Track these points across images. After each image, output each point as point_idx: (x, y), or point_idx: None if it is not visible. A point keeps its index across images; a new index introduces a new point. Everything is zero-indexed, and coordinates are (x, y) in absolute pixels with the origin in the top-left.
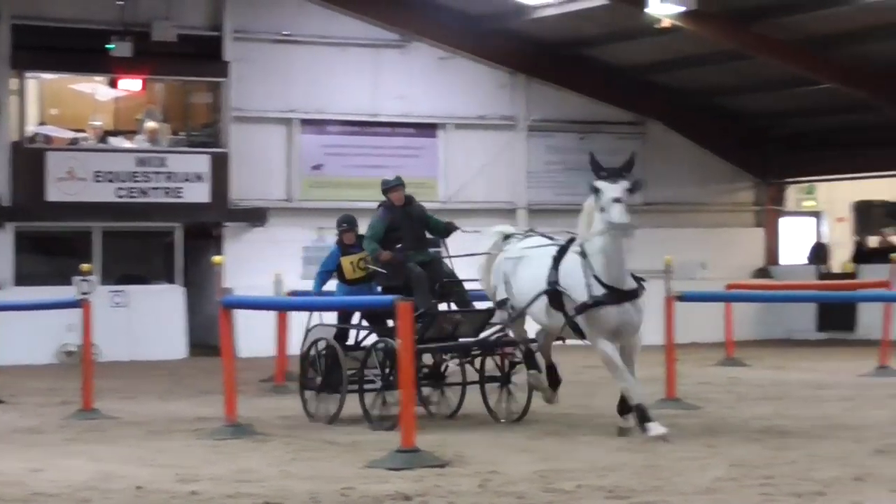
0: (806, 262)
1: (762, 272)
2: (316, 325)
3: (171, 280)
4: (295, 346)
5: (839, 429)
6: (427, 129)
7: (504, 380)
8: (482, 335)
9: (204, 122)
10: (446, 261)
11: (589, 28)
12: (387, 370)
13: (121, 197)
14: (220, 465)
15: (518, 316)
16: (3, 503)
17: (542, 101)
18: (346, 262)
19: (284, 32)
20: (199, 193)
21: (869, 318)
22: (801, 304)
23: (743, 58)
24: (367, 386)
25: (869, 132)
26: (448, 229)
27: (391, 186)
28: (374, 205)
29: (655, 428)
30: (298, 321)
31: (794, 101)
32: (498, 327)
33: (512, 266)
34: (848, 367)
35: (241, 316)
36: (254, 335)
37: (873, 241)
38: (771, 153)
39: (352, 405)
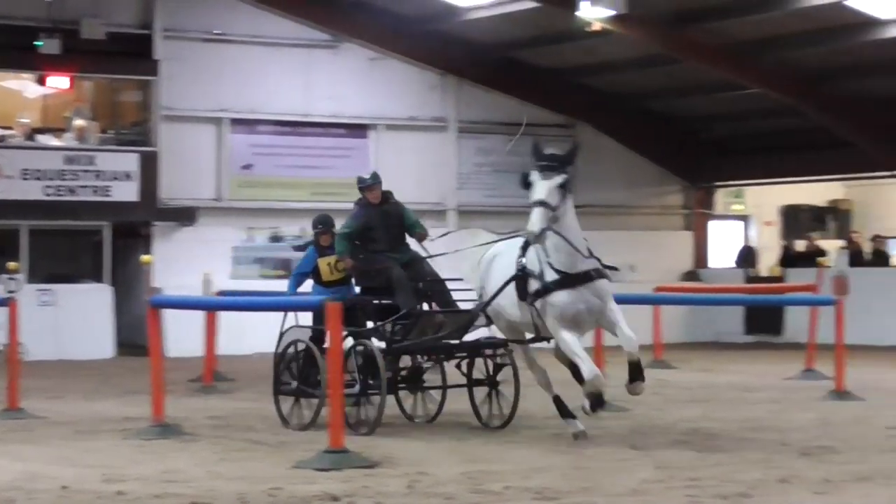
0: (734, 265)
1: (691, 275)
2: (291, 327)
3: (99, 279)
4: (223, 347)
5: (765, 431)
6: (358, 129)
7: (491, 383)
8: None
9: (133, 120)
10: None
11: (520, 30)
12: (362, 374)
13: (49, 195)
14: (147, 466)
15: (487, 305)
16: None
17: (472, 103)
18: (324, 263)
19: (215, 31)
20: (127, 192)
21: (796, 322)
22: (729, 308)
23: (673, 62)
24: (346, 390)
25: (796, 137)
26: (419, 238)
27: (367, 185)
28: (305, 205)
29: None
30: (227, 321)
31: (723, 105)
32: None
33: (487, 264)
34: (775, 370)
35: (169, 315)
36: (182, 335)
37: (800, 245)
38: (700, 157)
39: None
